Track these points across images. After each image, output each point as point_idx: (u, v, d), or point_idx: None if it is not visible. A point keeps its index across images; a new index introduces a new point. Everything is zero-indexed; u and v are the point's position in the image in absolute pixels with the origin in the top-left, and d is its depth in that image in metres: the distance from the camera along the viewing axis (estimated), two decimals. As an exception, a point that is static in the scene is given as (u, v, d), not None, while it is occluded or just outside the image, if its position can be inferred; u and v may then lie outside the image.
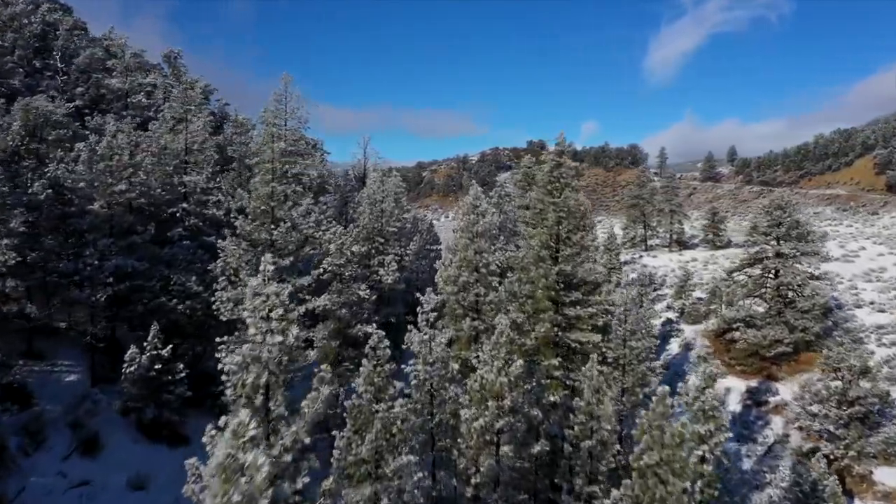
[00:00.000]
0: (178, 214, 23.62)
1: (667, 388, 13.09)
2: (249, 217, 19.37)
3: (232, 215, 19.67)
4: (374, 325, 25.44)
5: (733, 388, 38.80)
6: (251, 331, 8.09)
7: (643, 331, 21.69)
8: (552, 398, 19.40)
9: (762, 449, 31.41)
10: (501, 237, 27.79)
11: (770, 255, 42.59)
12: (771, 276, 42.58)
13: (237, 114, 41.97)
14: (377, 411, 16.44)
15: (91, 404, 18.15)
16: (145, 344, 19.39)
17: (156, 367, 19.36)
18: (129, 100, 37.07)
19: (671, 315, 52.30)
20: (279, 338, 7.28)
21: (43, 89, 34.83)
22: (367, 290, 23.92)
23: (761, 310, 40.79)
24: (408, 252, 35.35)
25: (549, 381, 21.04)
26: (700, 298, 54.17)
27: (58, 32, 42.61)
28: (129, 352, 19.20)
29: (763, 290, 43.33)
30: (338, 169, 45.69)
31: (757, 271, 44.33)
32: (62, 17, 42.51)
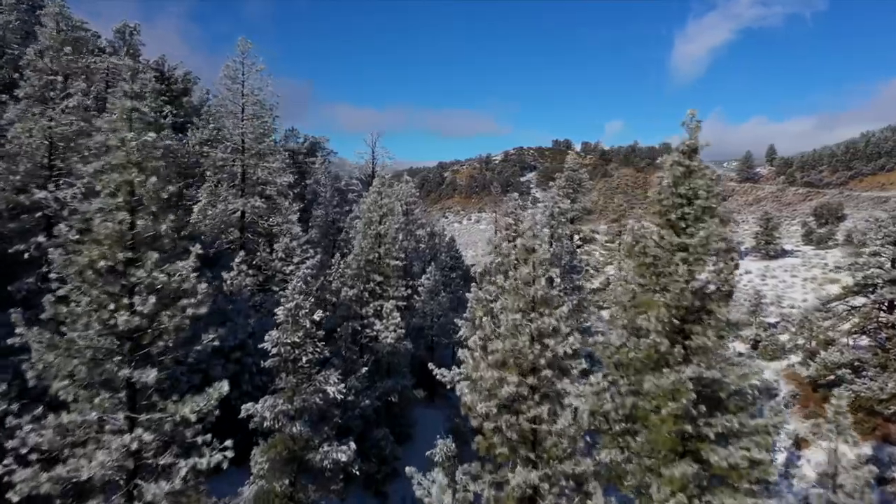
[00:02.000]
0: (30, 253, 13.28)
1: None
2: (78, 282, 8.81)
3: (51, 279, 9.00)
4: (352, 445, 14.82)
5: (840, 455, 27.61)
6: None
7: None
8: None
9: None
10: (557, 279, 16.60)
11: (883, 281, 31.82)
12: (884, 308, 32.15)
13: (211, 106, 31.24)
14: None
15: None
16: None
17: None
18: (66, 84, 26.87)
19: (740, 346, 40.69)
20: None
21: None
22: (342, 385, 13.09)
23: (859, 343, 31.60)
24: (420, 286, 24.50)
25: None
26: (771, 325, 43.21)
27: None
28: None
29: (873, 325, 33.07)
30: (337, 170, 34.73)
31: (861, 300, 34.04)
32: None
